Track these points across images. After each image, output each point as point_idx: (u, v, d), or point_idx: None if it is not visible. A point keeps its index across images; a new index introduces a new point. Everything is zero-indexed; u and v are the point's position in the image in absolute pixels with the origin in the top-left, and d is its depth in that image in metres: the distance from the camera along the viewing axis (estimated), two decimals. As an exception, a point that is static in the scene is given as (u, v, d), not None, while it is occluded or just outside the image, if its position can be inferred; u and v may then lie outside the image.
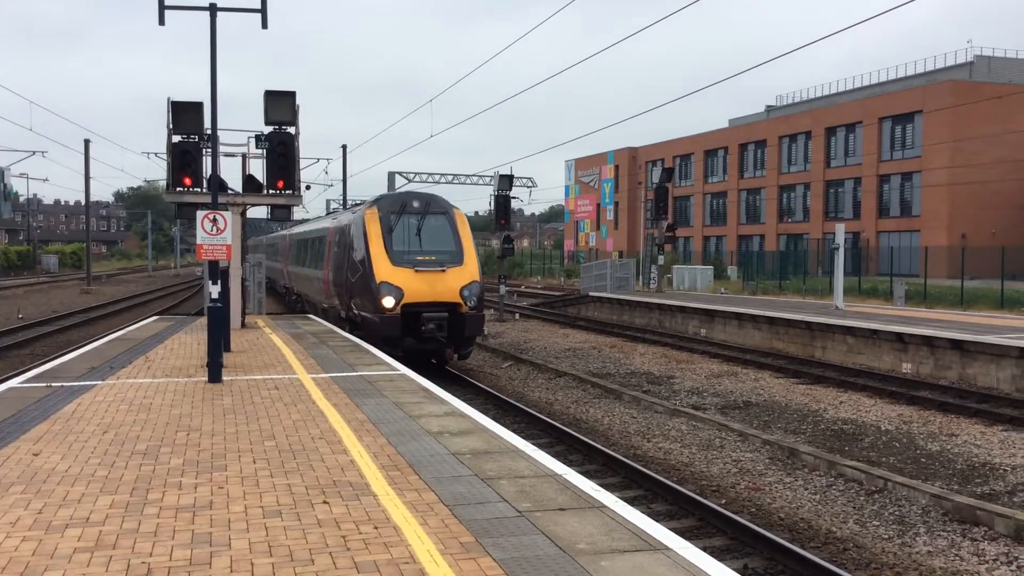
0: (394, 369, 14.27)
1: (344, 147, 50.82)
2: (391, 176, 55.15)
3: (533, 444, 9.16)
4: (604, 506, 6.73)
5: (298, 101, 20.04)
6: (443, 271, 19.11)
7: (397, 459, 8.13)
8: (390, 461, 8.05)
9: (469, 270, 19.49)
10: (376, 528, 6.16)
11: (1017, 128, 55.13)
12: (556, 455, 11.43)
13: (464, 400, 11.66)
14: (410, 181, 56.24)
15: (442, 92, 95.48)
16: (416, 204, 20.15)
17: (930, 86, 61.34)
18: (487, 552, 5.67)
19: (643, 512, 7.04)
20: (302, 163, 21.51)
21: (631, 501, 9.17)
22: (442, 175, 59.88)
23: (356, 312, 20.18)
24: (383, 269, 18.88)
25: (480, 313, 19.61)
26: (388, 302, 18.58)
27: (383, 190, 44.53)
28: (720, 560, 6.00)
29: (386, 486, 7.22)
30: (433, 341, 18.78)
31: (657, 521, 6.68)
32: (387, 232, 19.47)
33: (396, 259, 19.03)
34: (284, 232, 41.14)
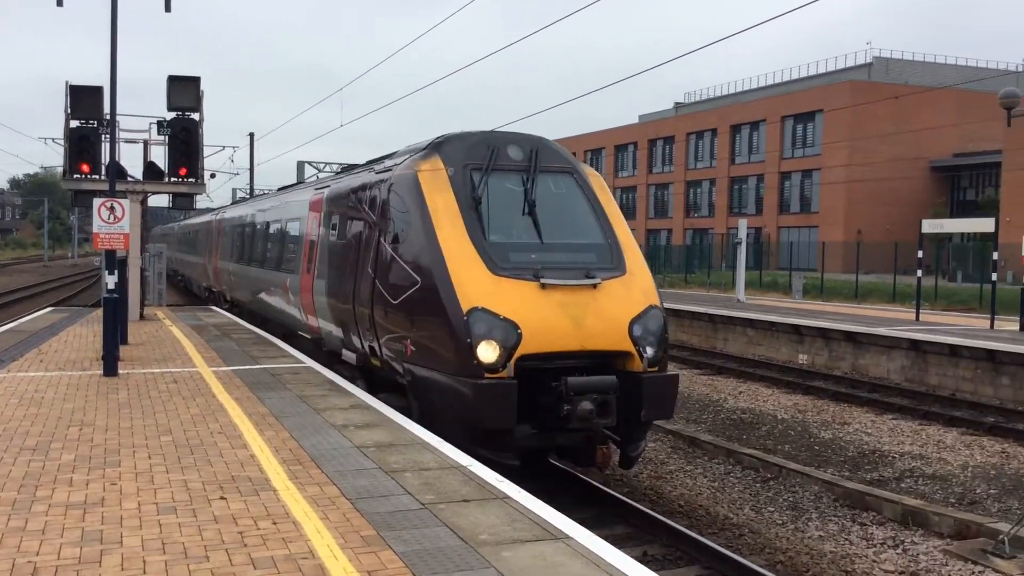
0: (299, 362, 14.07)
1: (251, 135, 49.76)
2: (300, 165, 54.13)
3: (439, 436, 9.15)
4: (508, 497, 6.78)
5: (203, 87, 19.54)
6: (593, 286, 9.60)
7: (299, 453, 8.02)
8: (292, 455, 7.94)
9: (639, 283, 10.04)
10: (275, 523, 6.07)
11: (913, 128, 57.40)
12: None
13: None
14: (321, 171, 55.33)
15: (353, 80, 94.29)
16: (515, 153, 10.56)
17: (830, 86, 63.40)
18: (388, 545, 5.65)
19: (546, 502, 7.11)
20: (207, 151, 20.96)
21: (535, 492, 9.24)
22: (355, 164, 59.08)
23: (401, 364, 10.59)
24: (473, 281, 9.42)
25: (667, 373, 9.95)
26: (487, 353, 9.04)
27: (292, 179, 42.95)
28: (620, 547, 6.10)
29: (287, 480, 7.12)
30: (585, 432, 9.22)
31: (560, 511, 6.76)
32: (468, 207, 9.99)
33: (496, 260, 9.60)
34: (209, 217, 32.23)
